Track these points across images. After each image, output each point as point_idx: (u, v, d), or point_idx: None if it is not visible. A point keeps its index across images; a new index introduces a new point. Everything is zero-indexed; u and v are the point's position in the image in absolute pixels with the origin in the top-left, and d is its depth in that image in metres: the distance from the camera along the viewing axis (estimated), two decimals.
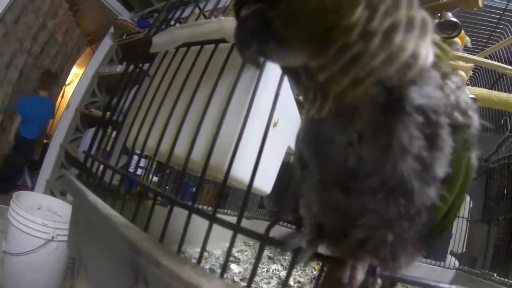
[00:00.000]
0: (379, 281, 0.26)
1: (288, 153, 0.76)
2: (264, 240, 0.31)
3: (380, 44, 0.22)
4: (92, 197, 0.42)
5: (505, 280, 0.98)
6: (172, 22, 0.68)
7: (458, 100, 0.25)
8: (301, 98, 0.71)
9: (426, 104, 0.23)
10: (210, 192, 1.42)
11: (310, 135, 0.30)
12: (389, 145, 0.23)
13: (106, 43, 2.54)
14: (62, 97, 3.18)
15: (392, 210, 0.25)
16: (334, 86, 0.23)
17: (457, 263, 1.41)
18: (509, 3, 0.97)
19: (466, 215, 1.49)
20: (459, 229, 1.47)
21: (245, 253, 1.00)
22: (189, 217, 0.35)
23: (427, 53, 0.23)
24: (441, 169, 0.24)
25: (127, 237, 0.33)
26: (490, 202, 1.51)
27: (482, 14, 1.03)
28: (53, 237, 1.16)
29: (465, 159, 0.26)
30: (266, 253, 1.09)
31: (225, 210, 1.18)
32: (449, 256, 1.63)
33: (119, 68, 2.22)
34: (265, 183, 0.69)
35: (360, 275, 0.25)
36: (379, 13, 0.21)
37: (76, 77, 3.10)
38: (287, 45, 0.23)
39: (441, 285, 0.25)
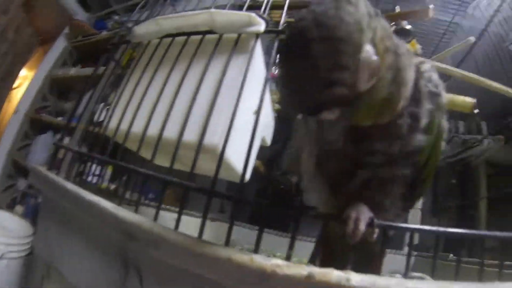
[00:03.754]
0: (376, 230, 0.29)
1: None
2: None
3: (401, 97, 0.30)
4: (71, 186, 0.40)
5: (461, 258, 1.06)
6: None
7: (430, 77, 0.34)
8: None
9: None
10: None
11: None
12: None
13: (60, 44, 2.36)
14: (9, 101, 2.86)
15: (393, 148, 0.32)
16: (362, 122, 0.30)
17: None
18: (455, 16, 1.13)
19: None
20: (413, 221, 1.60)
21: None
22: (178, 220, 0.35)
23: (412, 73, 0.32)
24: (424, 119, 0.33)
25: (120, 219, 0.31)
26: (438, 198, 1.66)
27: (431, 25, 1.18)
28: (3, 255, 1.04)
29: (437, 115, 0.35)
30: None
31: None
32: (406, 247, 1.75)
33: (73, 71, 2.08)
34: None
35: (362, 226, 0.28)
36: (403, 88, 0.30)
37: (25, 79, 2.82)
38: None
39: (424, 227, 0.30)
